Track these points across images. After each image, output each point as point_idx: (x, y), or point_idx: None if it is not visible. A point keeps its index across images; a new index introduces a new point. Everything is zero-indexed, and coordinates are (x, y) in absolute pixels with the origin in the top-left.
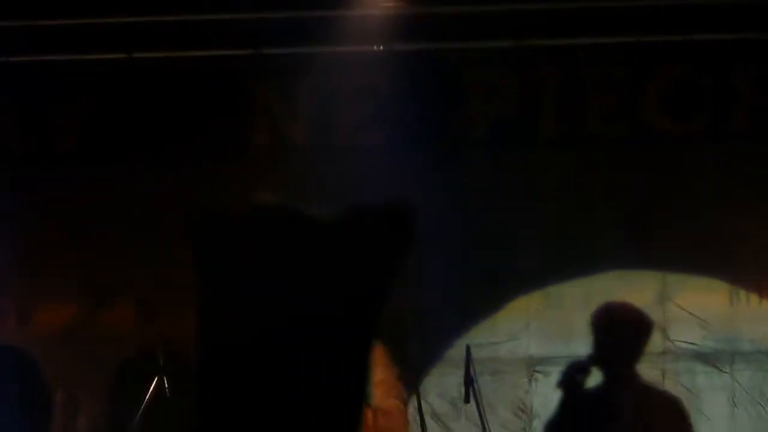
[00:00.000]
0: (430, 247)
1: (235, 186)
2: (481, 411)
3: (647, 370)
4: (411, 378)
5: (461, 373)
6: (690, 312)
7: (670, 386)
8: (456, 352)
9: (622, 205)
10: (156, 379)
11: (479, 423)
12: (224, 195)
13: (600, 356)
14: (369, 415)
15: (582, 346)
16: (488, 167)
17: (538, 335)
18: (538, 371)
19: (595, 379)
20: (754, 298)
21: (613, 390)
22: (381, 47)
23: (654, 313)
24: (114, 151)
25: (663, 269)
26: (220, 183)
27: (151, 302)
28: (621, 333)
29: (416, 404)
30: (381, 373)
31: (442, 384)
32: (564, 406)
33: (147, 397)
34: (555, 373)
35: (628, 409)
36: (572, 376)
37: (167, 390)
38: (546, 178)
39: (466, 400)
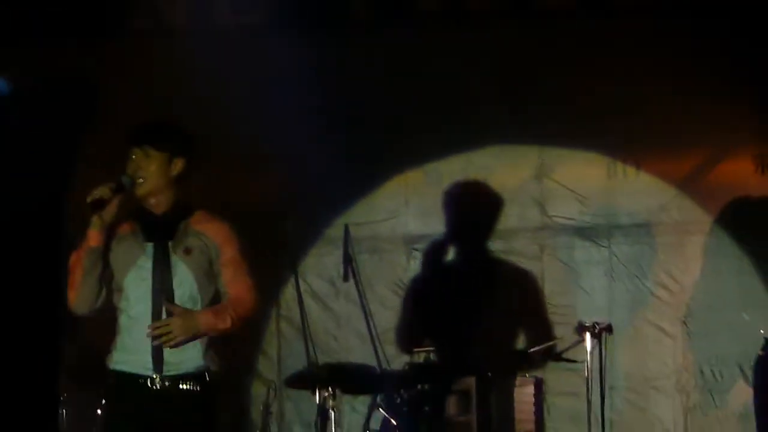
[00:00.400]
0: (311, 126)
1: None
2: (360, 289)
3: (526, 245)
4: (289, 258)
5: (340, 252)
6: (568, 187)
7: (549, 261)
8: (335, 231)
9: (501, 80)
10: None
11: (358, 301)
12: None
13: (452, 233)
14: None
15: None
16: (369, 45)
17: (416, 213)
18: (416, 249)
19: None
20: (631, 172)
21: (465, 265)
22: None
23: (532, 189)
24: None
25: (541, 143)
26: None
27: None
28: (469, 210)
29: (294, 284)
30: (228, 252)
31: (320, 263)
32: (424, 282)
33: None
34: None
35: (481, 282)
36: (431, 253)
37: None
38: (425, 56)
39: (345, 279)
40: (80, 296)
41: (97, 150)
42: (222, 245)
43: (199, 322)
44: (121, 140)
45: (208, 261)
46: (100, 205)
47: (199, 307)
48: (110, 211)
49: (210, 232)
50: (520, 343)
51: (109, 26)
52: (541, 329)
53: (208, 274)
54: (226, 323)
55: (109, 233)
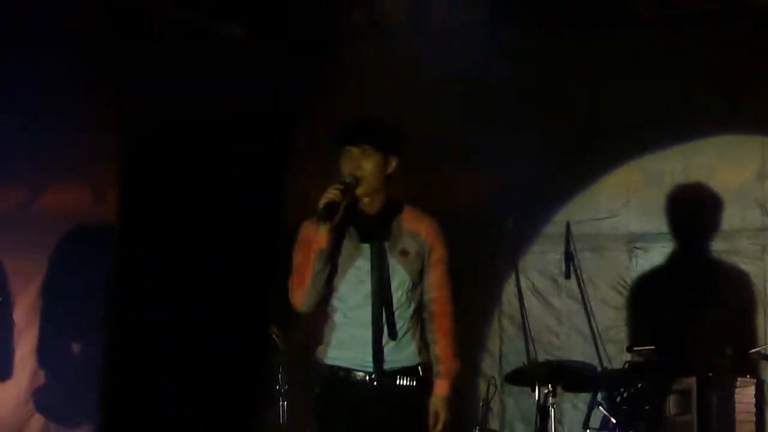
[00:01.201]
0: (530, 124)
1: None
2: (582, 287)
3: (747, 246)
4: (510, 255)
5: (561, 249)
6: None
7: None
8: (555, 228)
9: (718, 77)
10: None
11: (579, 299)
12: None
13: (675, 232)
14: None
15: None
16: (585, 45)
17: (637, 211)
18: (637, 247)
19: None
20: None
21: (687, 265)
22: None
23: (754, 190)
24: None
25: (764, 141)
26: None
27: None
28: (690, 211)
29: (515, 281)
30: (439, 251)
31: (542, 261)
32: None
33: None
34: (654, 249)
35: (702, 282)
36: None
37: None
38: (641, 55)
39: (567, 276)
40: (309, 296)
41: (310, 148)
42: (433, 243)
43: (445, 391)
44: (333, 138)
45: (422, 261)
46: (333, 208)
47: (413, 307)
48: (339, 212)
49: (422, 231)
50: (741, 343)
51: (327, 25)
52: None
53: (421, 276)
54: (457, 360)
55: (335, 235)
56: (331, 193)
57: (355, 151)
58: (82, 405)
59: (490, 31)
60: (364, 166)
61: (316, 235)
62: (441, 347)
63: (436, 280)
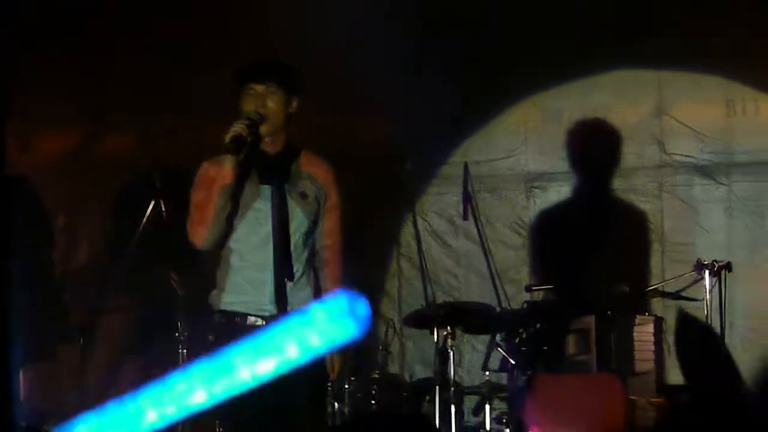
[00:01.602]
0: (426, 65)
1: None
2: (480, 227)
3: (644, 183)
4: (407, 197)
5: (459, 190)
6: (687, 125)
7: (668, 199)
8: (453, 169)
9: (613, 13)
10: (153, 201)
11: (478, 240)
12: (225, 19)
13: (572, 170)
14: None
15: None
16: None
17: (535, 151)
18: (535, 187)
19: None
20: (750, 109)
21: (584, 203)
22: None
23: (651, 127)
24: None
25: (658, 68)
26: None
27: (149, 127)
28: (588, 149)
29: (413, 223)
30: (333, 197)
31: (440, 202)
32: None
33: (144, 220)
34: (552, 189)
35: (600, 220)
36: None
37: (164, 212)
38: None
39: (465, 217)
40: (211, 233)
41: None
42: (329, 190)
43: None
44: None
45: (318, 206)
46: (240, 142)
47: (306, 253)
48: (245, 148)
49: (320, 176)
50: (639, 281)
51: None
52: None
53: (316, 221)
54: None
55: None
56: (238, 127)
57: (259, 88)
58: None
59: None
60: (267, 104)
61: (220, 171)
62: (328, 284)
63: (329, 227)
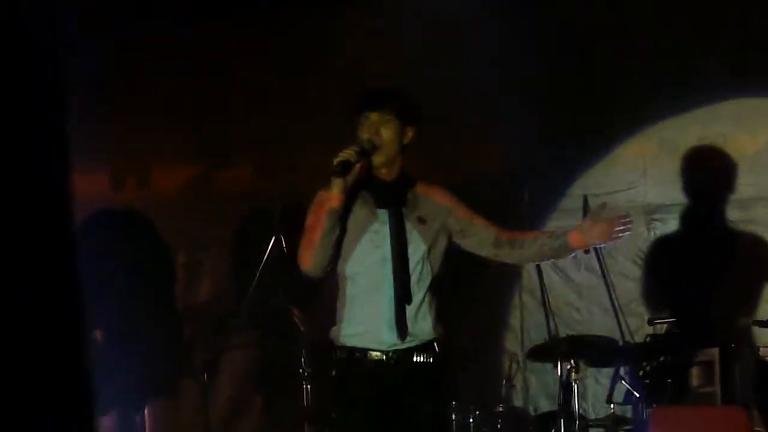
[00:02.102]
0: (545, 95)
1: (352, 36)
2: (601, 260)
3: (764, 214)
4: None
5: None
6: None
7: None
8: (572, 201)
9: (731, 42)
10: (273, 237)
11: (599, 272)
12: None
13: (691, 202)
14: None
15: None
16: (596, 13)
17: (654, 183)
18: (655, 219)
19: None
20: None
21: (706, 234)
22: None
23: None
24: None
25: None
26: (336, 34)
27: (267, 161)
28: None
29: None
30: (462, 208)
31: None
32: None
33: (265, 256)
34: (672, 220)
35: (722, 251)
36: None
37: (285, 248)
38: (652, 23)
39: (586, 251)
40: (317, 256)
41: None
42: (454, 206)
43: None
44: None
45: (442, 228)
46: (347, 167)
47: (429, 278)
48: (353, 174)
49: (439, 199)
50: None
51: None
52: None
53: (440, 245)
54: None
55: (347, 197)
56: (346, 153)
57: (374, 116)
58: None
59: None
60: (382, 133)
61: (328, 194)
62: (537, 233)
63: (484, 223)
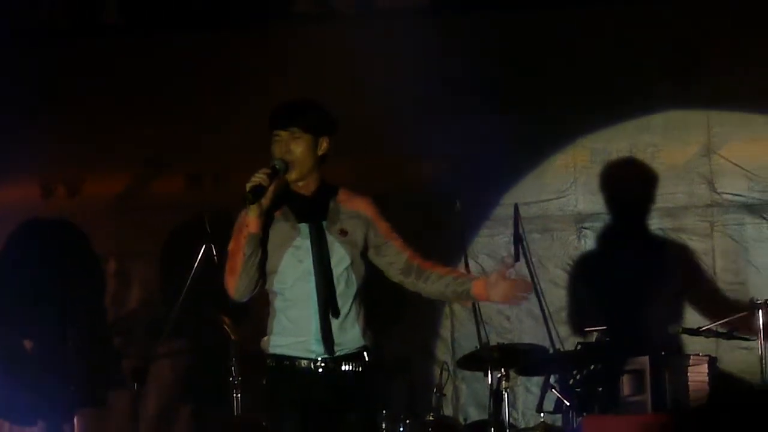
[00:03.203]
0: (476, 107)
1: (279, 52)
2: (531, 269)
3: (695, 223)
4: (459, 239)
5: (510, 232)
6: (736, 164)
7: (719, 238)
8: (503, 210)
9: (664, 54)
10: (204, 245)
11: (529, 280)
12: (270, 62)
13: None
14: None
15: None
16: (528, 25)
17: (585, 192)
18: (585, 227)
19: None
20: None
21: (635, 243)
22: None
23: (700, 166)
24: (155, 21)
25: (708, 107)
26: (264, 48)
27: (198, 171)
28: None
29: (464, 264)
30: (383, 224)
31: (491, 243)
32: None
33: (196, 264)
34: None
35: (651, 260)
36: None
37: (215, 256)
38: (587, 33)
39: (516, 259)
40: (241, 282)
41: (243, 135)
42: (375, 220)
43: None
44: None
45: (363, 239)
46: (259, 191)
47: (354, 287)
48: (268, 196)
49: (361, 209)
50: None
51: (271, 11)
52: (713, 307)
53: (362, 255)
54: None
55: (266, 218)
56: (257, 177)
57: (283, 134)
58: None
59: (431, 15)
60: (293, 149)
61: (246, 219)
62: (446, 270)
63: (398, 245)
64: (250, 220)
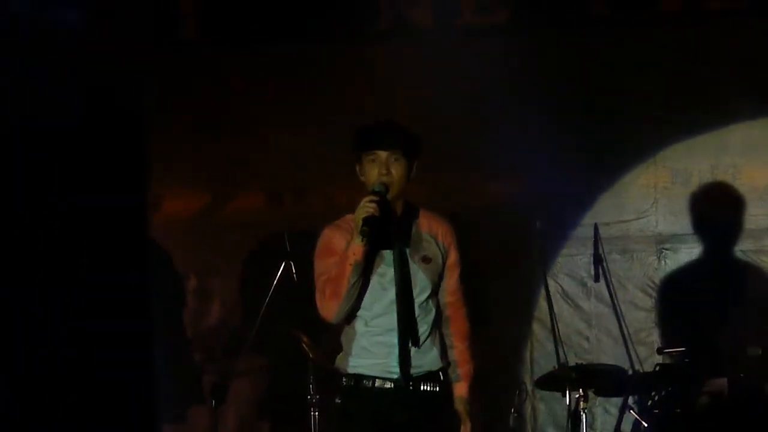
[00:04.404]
0: (555, 126)
1: (361, 70)
2: (611, 289)
3: None
4: (538, 259)
5: (589, 252)
6: None
7: None
8: (583, 231)
9: (743, 72)
10: (283, 263)
11: (609, 301)
12: (349, 78)
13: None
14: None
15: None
16: (605, 42)
17: (665, 212)
18: (666, 248)
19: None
20: None
21: (716, 265)
22: None
23: None
24: (239, 38)
25: None
26: (343, 65)
27: (278, 188)
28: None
29: (544, 284)
30: (454, 255)
31: (571, 264)
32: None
33: (275, 282)
34: (683, 250)
35: (732, 282)
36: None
37: (294, 274)
38: (665, 51)
39: (596, 279)
40: (342, 308)
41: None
42: (449, 247)
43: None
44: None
45: (442, 265)
46: (373, 222)
47: (434, 313)
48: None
49: (440, 236)
50: None
51: (351, 27)
52: None
53: (440, 281)
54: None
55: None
56: (370, 207)
57: (383, 155)
58: None
59: (511, 32)
60: (393, 171)
61: (352, 247)
62: (458, 351)
63: (451, 285)
64: (358, 248)
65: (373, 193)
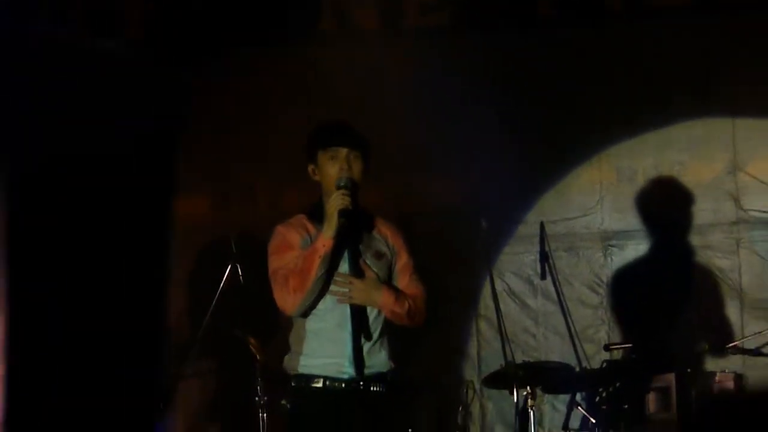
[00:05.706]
0: (500, 125)
1: (301, 71)
2: (558, 287)
3: (721, 240)
4: (484, 257)
5: (536, 250)
6: (762, 180)
7: (745, 255)
8: (529, 228)
9: (687, 70)
10: (230, 265)
11: (556, 299)
12: (293, 80)
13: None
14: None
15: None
16: (555, 43)
17: (611, 209)
18: (612, 245)
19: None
20: None
21: (661, 261)
22: None
23: (726, 183)
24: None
25: (732, 115)
26: (284, 66)
27: (223, 192)
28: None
29: (490, 283)
30: (404, 257)
31: (517, 261)
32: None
33: (222, 284)
34: (629, 247)
35: (677, 278)
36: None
37: (241, 276)
38: (608, 50)
39: (542, 277)
40: (306, 300)
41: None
42: (399, 250)
43: (380, 292)
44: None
45: (392, 263)
46: (348, 213)
47: (382, 314)
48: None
49: (390, 237)
50: (719, 338)
51: (293, 29)
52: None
53: (390, 279)
54: (403, 308)
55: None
56: (344, 200)
57: (343, 151)
58: None
59: (455, 33)
60: (353, 168)
61: (321, 240)
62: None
63: (405, 285)
64: (327, 241)
65: (342, 187)
